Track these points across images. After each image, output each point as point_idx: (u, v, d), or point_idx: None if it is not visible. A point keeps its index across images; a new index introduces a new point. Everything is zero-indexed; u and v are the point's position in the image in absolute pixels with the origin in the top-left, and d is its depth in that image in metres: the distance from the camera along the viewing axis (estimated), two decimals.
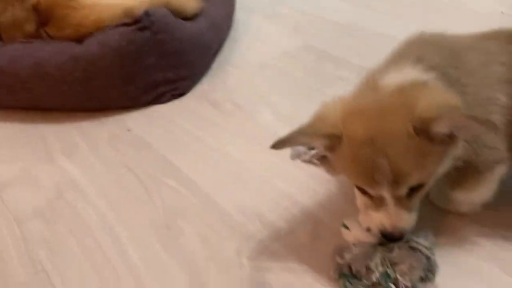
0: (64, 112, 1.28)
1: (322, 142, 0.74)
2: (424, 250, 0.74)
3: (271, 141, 0.71)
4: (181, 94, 1.33)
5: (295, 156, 1.03)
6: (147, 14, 1.21)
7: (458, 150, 0.72)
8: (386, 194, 0.70)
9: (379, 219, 0.73)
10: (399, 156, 0.67)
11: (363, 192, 0.74)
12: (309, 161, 1.03)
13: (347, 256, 0.77)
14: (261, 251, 0.84)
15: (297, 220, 0.89)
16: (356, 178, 0.73)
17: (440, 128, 0.65)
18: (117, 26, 1.21)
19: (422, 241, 0.76)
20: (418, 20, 1.55)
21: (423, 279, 0.74)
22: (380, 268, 0.74)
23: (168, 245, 0.87)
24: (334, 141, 0.71)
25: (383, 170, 0.67)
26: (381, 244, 0.76)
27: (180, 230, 0.90)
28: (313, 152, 1.03)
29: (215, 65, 1.44)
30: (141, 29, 1.21)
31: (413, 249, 0.75)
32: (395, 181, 0.68)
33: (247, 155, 1.07)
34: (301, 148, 1.03)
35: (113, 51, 1.19)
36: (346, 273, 0.77)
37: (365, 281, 0.75)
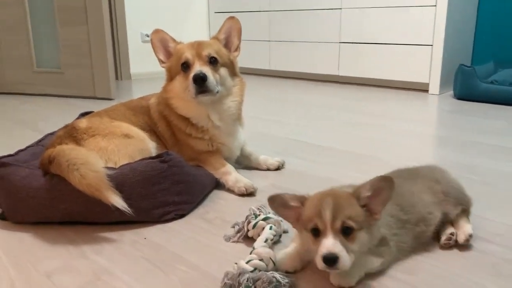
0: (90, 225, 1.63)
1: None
2: (277, 276, 1.22)
3: None
4: (182, 215, 1.72)
5: (228, 239, 1.52)
6: (167, 153, 1.71)
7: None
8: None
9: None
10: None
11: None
12: (237, 241, 1.50)
13: (228, 276, 1.24)
14: None
15: None
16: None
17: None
18: (144, 159, 1.70)
19: (278, 274, 1.23)
20: None
21: None
22: (245, 282, 1.19)
23: None
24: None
25: None
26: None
27: None
28: (239, 234, 1.52)
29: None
30: (162, 161, 1.68)
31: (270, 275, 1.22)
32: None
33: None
34: (231, 233, 1.53)
35: (140, 173, 1.62)
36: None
37: None
